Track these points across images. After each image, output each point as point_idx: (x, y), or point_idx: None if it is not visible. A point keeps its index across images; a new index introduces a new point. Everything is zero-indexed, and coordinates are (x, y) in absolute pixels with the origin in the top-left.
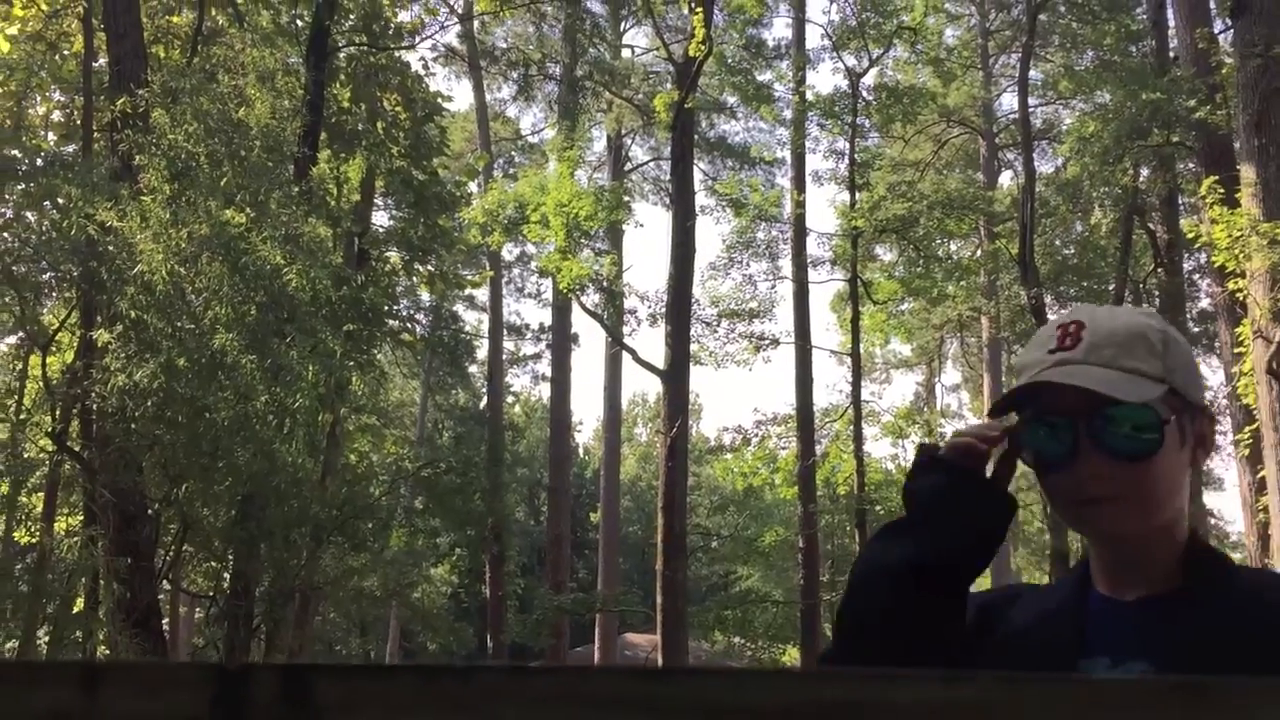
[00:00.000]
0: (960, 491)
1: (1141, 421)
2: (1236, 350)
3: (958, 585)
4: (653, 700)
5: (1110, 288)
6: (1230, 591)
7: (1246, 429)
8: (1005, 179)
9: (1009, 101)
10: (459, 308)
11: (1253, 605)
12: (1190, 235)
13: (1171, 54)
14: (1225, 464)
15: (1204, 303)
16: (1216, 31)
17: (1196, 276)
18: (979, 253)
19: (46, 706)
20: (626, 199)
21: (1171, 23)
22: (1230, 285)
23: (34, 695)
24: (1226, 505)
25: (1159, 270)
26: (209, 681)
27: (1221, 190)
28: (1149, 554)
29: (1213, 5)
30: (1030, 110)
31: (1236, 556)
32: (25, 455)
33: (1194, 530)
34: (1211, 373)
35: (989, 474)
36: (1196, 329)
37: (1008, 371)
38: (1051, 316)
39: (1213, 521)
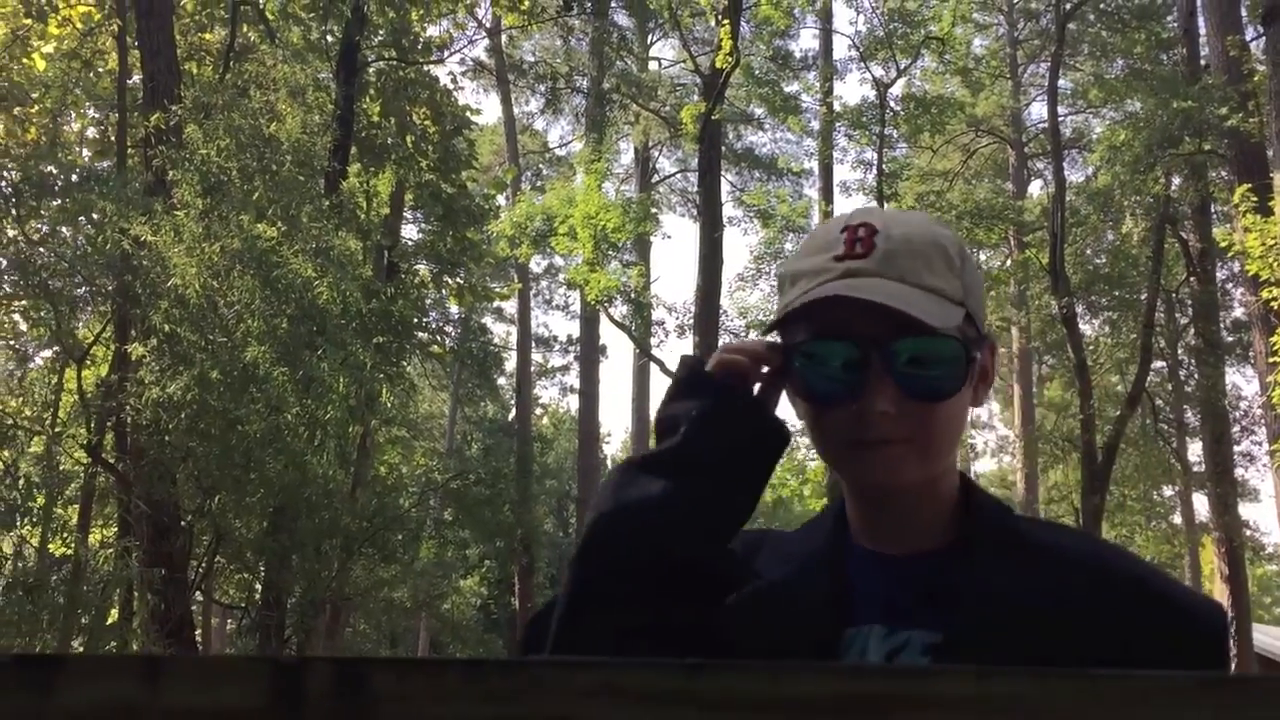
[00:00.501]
0: (727, 416)
1: (943, 354)
2: (1271, 359)
3: (719, 533)
4: (692, 694)
5: (1142, 297)
6: (1014, 546)
7: None
8: (1035, 188)
9: (1038, 111)
10: (487, 320)
11: (1040, 560)
12: (1223, 244)
13: (1203, 62)
14: (1261, 474)
15: (1238, 312)
16: (1248, 39)
17: (1230, 285)
18: (1009, 262)
19: (111, 697)
20: (654, 211)
21: (1202, 30)
22: (1264, 294)
23: (99, 686)
24: (1263, 516)
25: (1192, 279)
26: (266, 674)
27: (1255, 198)
28: (921, 504)
29: (1244, 13)
30: (1060, 119)
31: (1272, 569)
32: (61, 467)
33: (965, 475)
34: (1246, 382)
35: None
36: (1230, 338)
37: (1037, 381)
38: (1084, 328)
39: (1248, 533)
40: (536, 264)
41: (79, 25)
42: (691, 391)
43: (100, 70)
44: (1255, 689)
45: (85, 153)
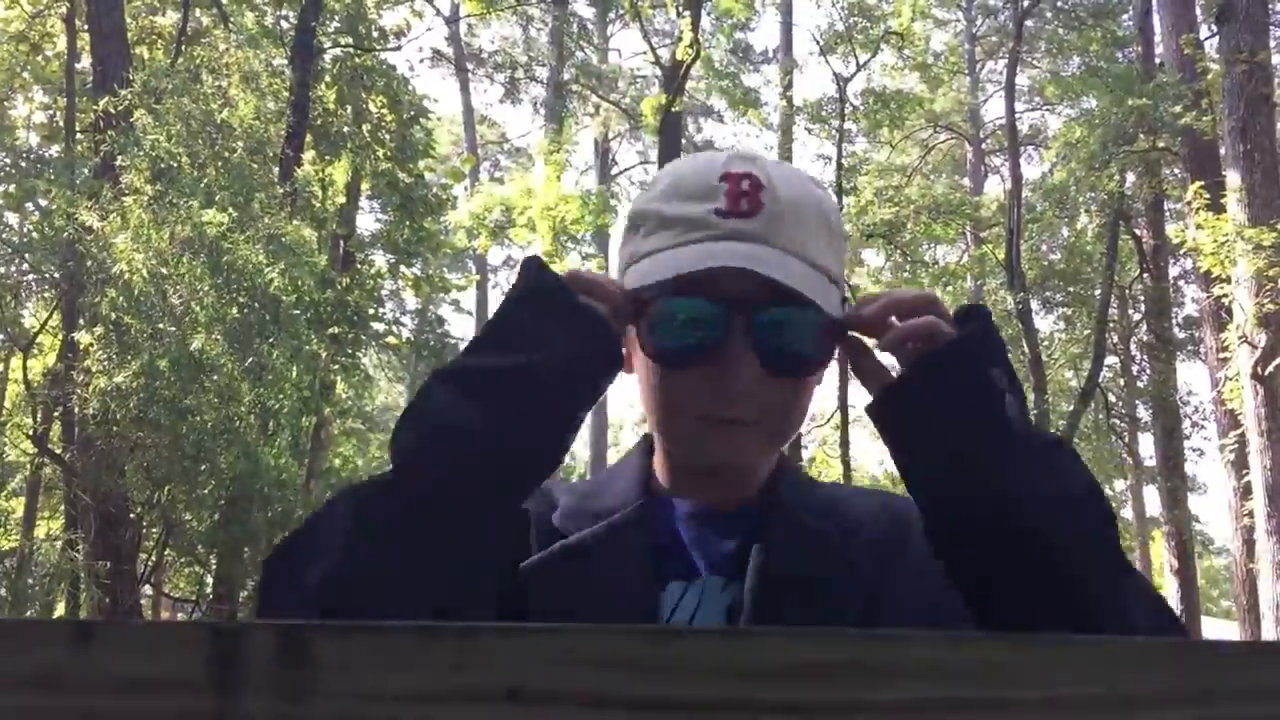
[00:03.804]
0: (585, 341)
1: (810, 326)
2: (1222, 355)
3: (540, 477)
4: (651, 661)
5: (1096, 292)
6: (814, 497)
7: (1232, 434)
8: (992, 184)
9: (996, 107)
10: (445, 311)
11: (838, 506)
12: (1176, 241)
13: (1158, 60)
14: (1211, 469)
15: (1190, 308)
16: (1202, 38)
17: (1182, 282)
18: (966, 258)
19: (37, 665)
20: (613, 203)
21: (1157, 29)
22: (1216, 290)
23: (25, 654)
24: (1211, 510)
25: (1145, 275)
26: (204, 641)
27: (1207, 196)
28: (752, 472)
29: (1199, 12)
30: (1017, 116)
31: (1220, 562)
32: (6, 458)
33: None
34: (1197, 378)
35: None
36: (1182, 334)
37: None
38: (1039, 323)
39: (1198, 526)
40: (495, 255)
41: (27, 7)
42: (545, 305)
43: (49, 54)
44: (1224, 653)
45: (33, 137)
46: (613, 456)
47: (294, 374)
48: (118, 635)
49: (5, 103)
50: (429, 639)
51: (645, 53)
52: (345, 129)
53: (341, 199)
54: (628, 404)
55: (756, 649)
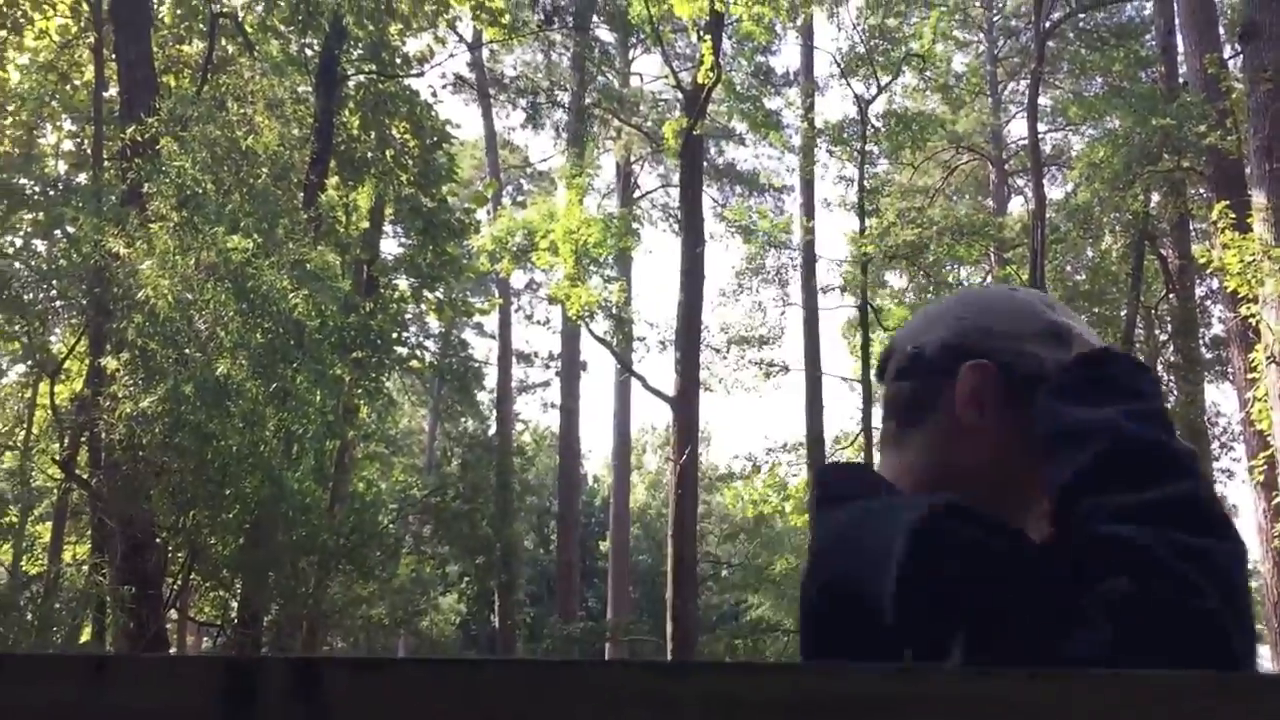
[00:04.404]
0: None
1: None
2: (1250, 376)
3: None
4: (665, 695)
5: (1122, 313)
6: None
7: (1261, 455)
8: (1015, 205)
9: (1018, 128)
10: (468, 335)
11: None
12: (1202, 260)
13: (1181, 79)
14: (1239, 490)
15: (1216, 328)
16: (1226, 57)
17: (1209, 302)
18: (989, 279)
19: (53, 699)
20: (635, 226)
21: (1181, 48)
22: (1243, 310)
23: (40, 688)
24: (1241, 532)
25: (1171, 296)
26: (218, 675)
27: (1233, 215)
28: None
29: (1222, 30)
30: (1040, 136)
31: (1251, 585)
32: (33, 483)
33: None
34: (1225, 399)
35: None
36: (1209, 355)
37: None
38: None
39: None
40: (517, 279)
41: (55, 38)
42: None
43: (77, 83)
44: (1237, 685)
45: (61, 165)
46: (634, 478)
47: (318, 398)
48: (131, 669)
49: (34, 131)
50: (441, 672)
51: (666, 76)
52: (369, 155)
53: (365, 224)
54: (649, 425)
55: (767, 683)
